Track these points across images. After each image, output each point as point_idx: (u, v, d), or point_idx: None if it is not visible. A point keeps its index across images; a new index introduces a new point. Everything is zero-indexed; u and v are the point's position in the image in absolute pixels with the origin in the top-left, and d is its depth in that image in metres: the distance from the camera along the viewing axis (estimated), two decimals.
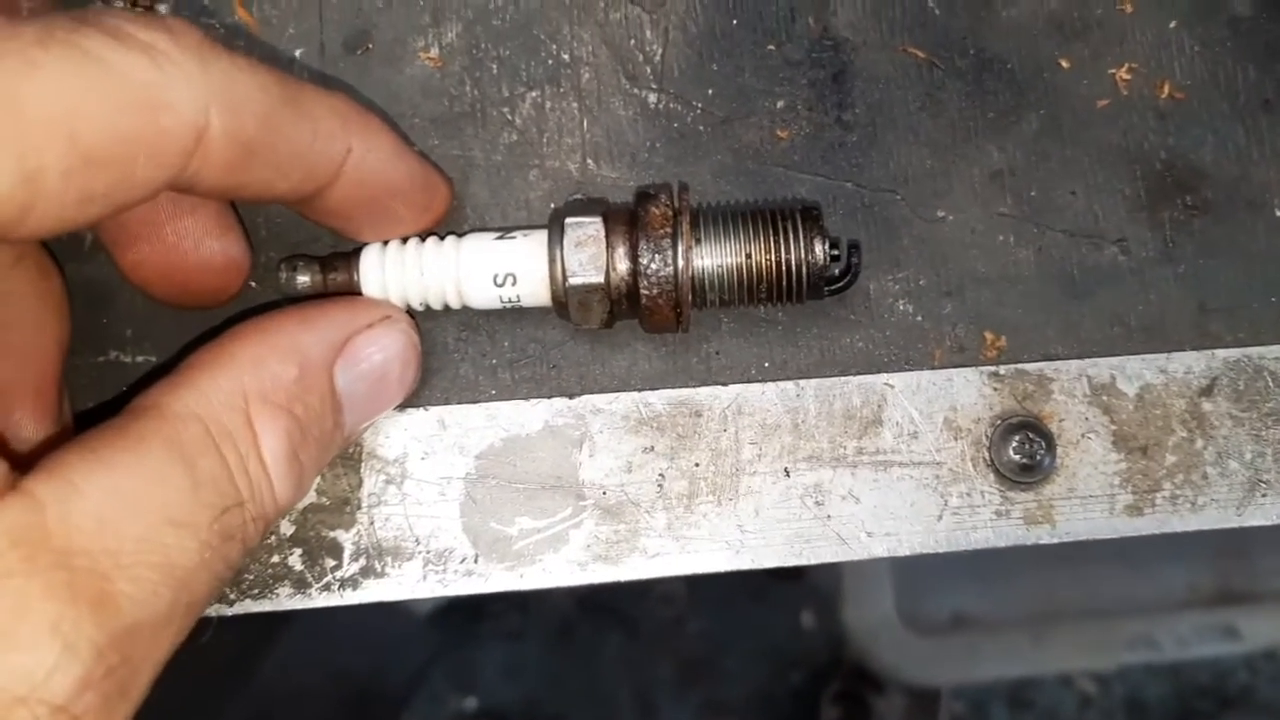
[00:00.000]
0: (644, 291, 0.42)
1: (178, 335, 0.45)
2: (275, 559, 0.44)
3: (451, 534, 0.45)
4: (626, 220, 0.42)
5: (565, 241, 0.42)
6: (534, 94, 0.48)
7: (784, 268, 0.42)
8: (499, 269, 0.43)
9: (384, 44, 0.48)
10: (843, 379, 0.46)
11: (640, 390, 0.46)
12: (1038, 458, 0.44)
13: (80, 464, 0.31)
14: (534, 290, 0.43)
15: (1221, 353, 0.46)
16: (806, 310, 0.46)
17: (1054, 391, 0.46)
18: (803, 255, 0.42)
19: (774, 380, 0.46)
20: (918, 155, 0.48)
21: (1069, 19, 0.49)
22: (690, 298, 0.42)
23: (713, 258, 0.42)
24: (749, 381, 0.46)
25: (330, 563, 0.44)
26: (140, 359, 0.46)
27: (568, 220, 0.42)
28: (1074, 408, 0.46)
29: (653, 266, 0.41)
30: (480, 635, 1.61)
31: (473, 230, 0.45)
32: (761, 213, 0.43)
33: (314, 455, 0.39)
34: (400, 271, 0.43)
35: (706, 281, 0.43)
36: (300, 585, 0.44)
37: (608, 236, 0.42)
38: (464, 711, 1.60)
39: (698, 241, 0.42)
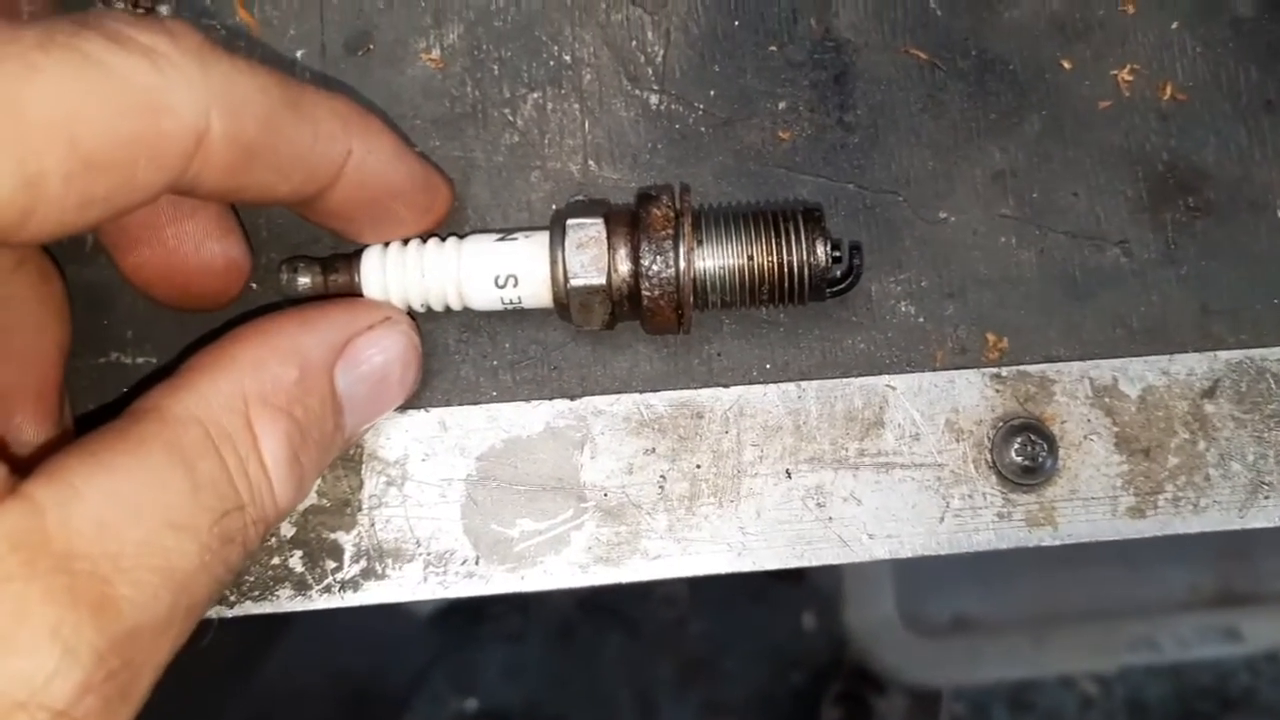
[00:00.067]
0: (646, 293, 0.42)
1: (178, 337, 0.45)
2: (276, 561, 0.44)
3: (452, 536, 0.45)
4: (628, 222, 0.42)
5: (567, 243, 0.42)
6: (535, 95, 0.48)
7: (786, 269, 0.42)
8: (500, 270, 0.43)
9: (385, 45, 0.48)
10: (844, 380, 0.46)
11: (642, 392, 0.46)
12: (1040, 459, 0.44)
13: (80, 467, 0.31)
14: (535, 292, 0.43)
15: (1224, 354, 0.46)
16: (808, 312, 0.46)
17: (1056, 393, 0.46)
18: (804, 257, 0.42)
19: (775, 382, 0.46)
20: (919, 156, 0.48)
21: (1071, 20, 0.49)
22: (692, 299, 0.42)
23: (714, 259, 0.42)
24: (750, 383, 0.46)
25: (331, 564, 0.44)
26: (141, 361, 0.46)
27: (569, 221, 0.42)
28: (1076, 409, 0.46)
29: (654, 268, 0.41)
30: (481, 636, 1.61)
31: (474, 232, 0.45)
32: (763, 214, 0.43)
33: (314, 457, 0.39)
34: (401, 273, 0.43)
35: (708, 283, 0.42)
36: (301, 587, 0.44)
37: (609, 238, 0.42)
38: (464, 712, 1.60)
39: (699, 243, 0.42)
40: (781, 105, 0.48)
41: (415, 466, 0.45)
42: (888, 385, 0.46)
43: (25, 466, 0.31)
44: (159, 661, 0.32)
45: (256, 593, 0.44)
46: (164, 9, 0.46)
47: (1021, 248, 0.47)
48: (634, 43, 0.48)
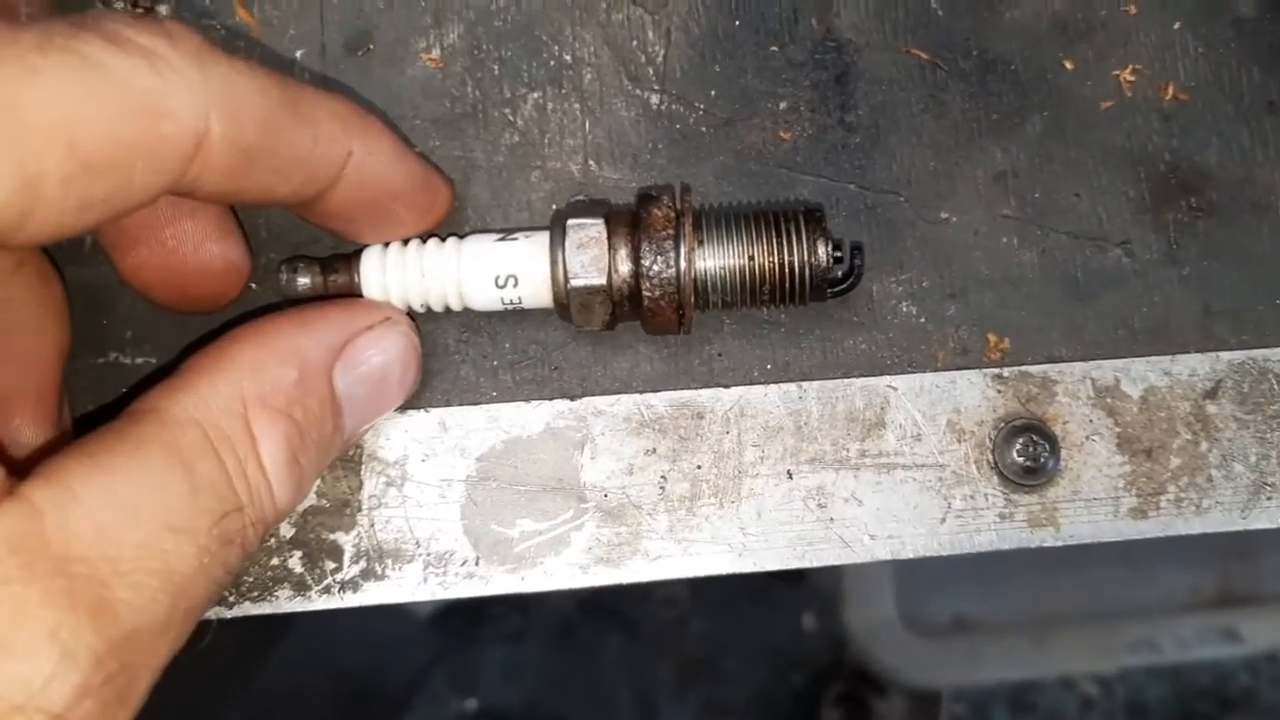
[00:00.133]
0: (646, 293, 0.41)
1: (177, 337, 0.45)
2: (275, 561, 0.44)
3: (452, 536, 0.44)
4: (629, 222, 0.42)
5: (567, 243, 0.42)
6: (536, 95, 0.48)
7: (787, 269, 0.42)
8: (500, 270, 0.43)
9: (385, 45, 0.48)
10: (845, 381, 0.46)
11: (642, 392, 0.46)
12: (1041, 460, 0.44)
13: (78, 469, 0.31)
14: (535, 292, 0.43)
15: (1226, 355, 0.46)
16: (809, 312, 0.46)
17: (1058, 394, 0.46)
18: (805, 257, 0.42)
19: (776, 382, 0.46)
20: (921, 157, 0.47)
21: (1073, 20, 0.49)
22: (693, 299, 0.42)
23: (715, 259, 0.42)
24: (751, 383, 0.46)
25: (330, 565, 0.44)
26: (140, 361, 0.46)
27: (570, 222, 0.42)
28: (1078, 410, 0.46)
29: (655, 268, 0.41)
30: (481, 637, 1.61)
31: (474, 232, 0.44)
32: (764, 214, 0.43)
33: (313, 459, 0.38)
34: (401, 273, 0.42)
35: (709, 283, 0.42)
36: (300, 588, 0.44)
37: (610, 238, 0.42)
38: (464, 713, 1.60)
39: (700, 243, 0.42)
40: (782, 105, 0.48)
41: (415, 467, 0.45)
42: (889, 386, 0.46)
43: (23, 468, 0.31)
44: (157, 664, 0.32)
45: (256, 593, 0.44)
46: (163, 10, 0.46)
47: (1023, 248, 0.47)
48: (635, 42, 0.48)
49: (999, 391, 0.46)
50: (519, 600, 1.61)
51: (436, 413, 0.45)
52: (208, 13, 0.47)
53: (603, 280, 0.41)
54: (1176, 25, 0.48)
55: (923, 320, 0.46)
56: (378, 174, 0.40)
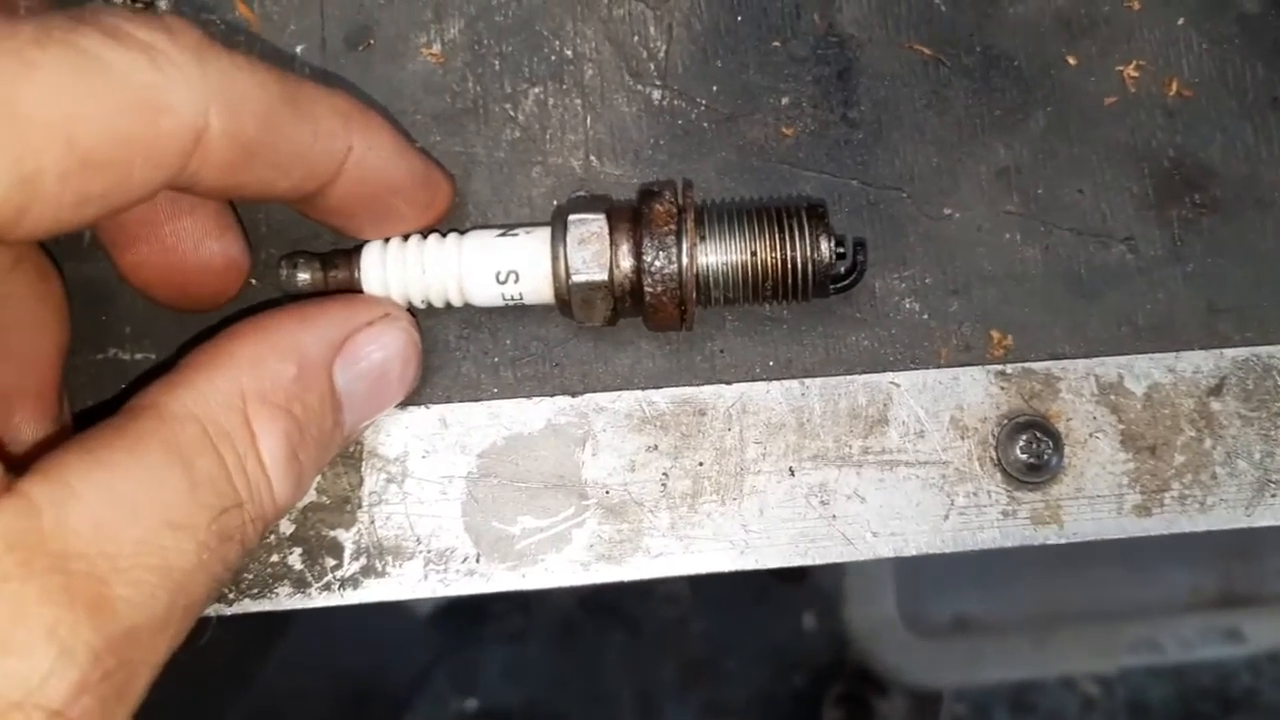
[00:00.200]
0: (648, 289, 0.41)
1: (177, 333, 0.45)
2: (275, 558, 0.44)
3: (453, 533, 0.44)
4: (630, 217, 0.42)
5: (568, 238, 0.41)
6: (537, 90, 0.47)
7: (789, 265, 0.42)
8: (501, 266, 0.42)
9: (386, 40, 0.47)
10: (848, 378, 0.46)
11: (644, 389, 0.45)
12: (1045, 457, 0.44)
13: (77, 465, 0.31)
14: (537, 287, 0.43)
15: (1230, 352, 0.46)
16: (812, 308, 0.46)
17: (1061, 390, 0.45)
18: (808, 253, 0.42)
19: (779, 379, 0.45)
20: (924, 153, 0.47)
21: (1076, 16, 0.48)
22: (694, 295, 0.42)
23: (717, 255, 0.42)
24: (753, 380, 0.45)
25: (330, 562, 0.44)
26: (139, 356, 0.45)
27: (571, 217, 0.42)
28: (1081, 407, 0.45)
29: (657, 264, 0.41)
30: (481, 636, 1.60)
31: (475, 227, 0.44)
32: (766, 210, 0.43)
33: (313, 455, 0.38)
34: (402, 269, 0.42)
35: (711, 279, 0.42)
36: (300, 585, 0.44)
37: (611, 234, 0.41)
38: (465, 712, 1.60)
39: (702, 239, 0.42)
40: (785, 101, 0.48)
41: (415, 463, 0.45)
42: (892, 382, 0.46)
43: (22, 464, 0.31)
44: (156, 661, 0.32)
45: (255, 590, 0.44)
46: (162, 4, 0.46)
47: (1026, 244, 0.47)
48: (636, 38, 0.48)
49: (1002, 388, 0.46)
50: (520, 598, 1.61)
51: (437, 409, 0.45)
52: (207, 7, 0.47)
53: (604, 276, 0.41)
54: (1180, 21, 0.48)
55: (926, 317, 0.46)
56: (378, 169, 0.40)
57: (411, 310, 0.43)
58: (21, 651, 0.28)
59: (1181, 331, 0.46)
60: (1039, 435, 0.44)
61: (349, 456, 0.45)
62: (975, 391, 0.45)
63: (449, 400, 0.45)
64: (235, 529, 0.34)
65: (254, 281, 0.45)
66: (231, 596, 0.43)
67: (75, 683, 0.29)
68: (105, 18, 0.31)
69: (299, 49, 0.47)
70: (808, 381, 0.45)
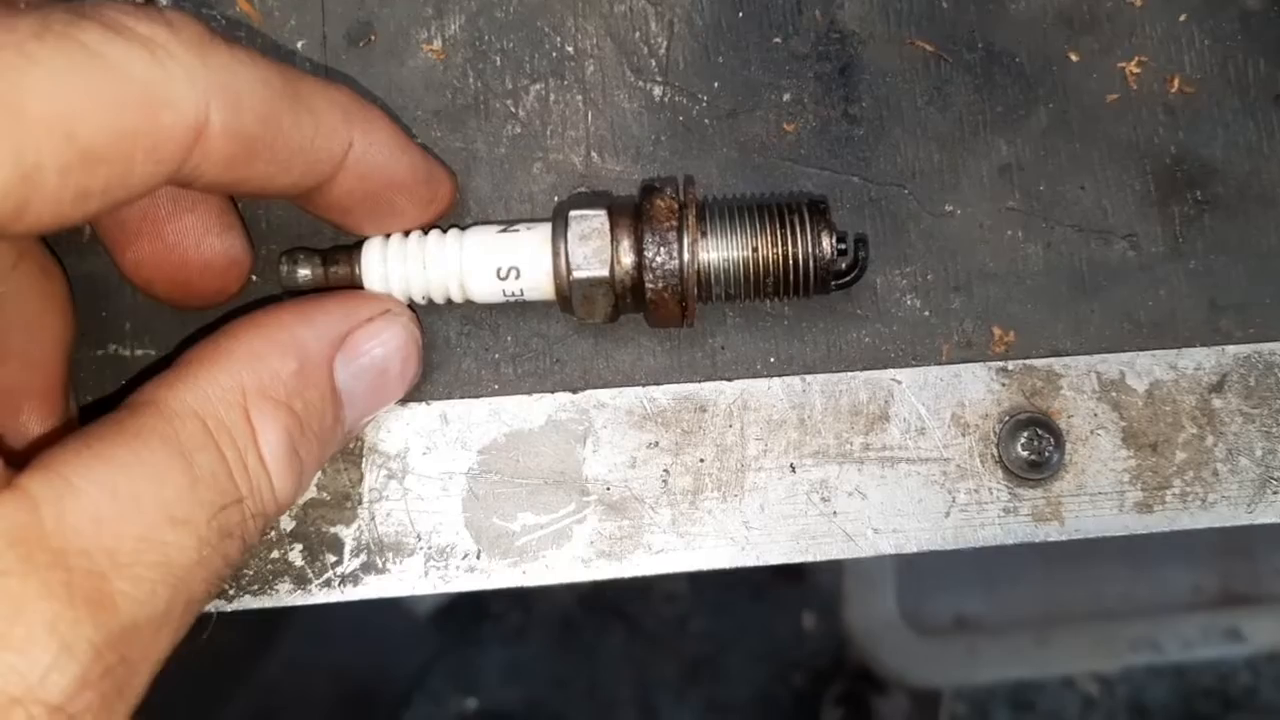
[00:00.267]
0: (649, 285, 0.41)
1: (177, 329, 0.45)
2: (275, 554, 0.44)
3: (453, 530, 0.44)
4: (631, 213, 0.42)
5: (570, 234, 0.41)
6: (538, 86, 0.47)
7: (790, 262, 0.42)
8: (502, 262, 0.42)
9: (386, 36, 0.47)
10: (849, 374, 0.45)
11: (645, 385, 0.45)
12: (1046, 454, 0.44)
13: (77, 461, 0.31)
14: (538, 284, 0.42)
15: (1232, 349, 0.46)
16: (813, 305, 0.46)
17: (1063, 387, 0.45)
18: (809, 249, 0.42)
19: (780, 375, 0.45)
20: (925, 149, 0.47)
21: (1078, 12, 0.48)
22: (696, 292, 0.42)
23: (718, 251, 0.42)
24: (755, 377, 0.45)
25: (331, 558, 0.44)
26: (140, 353, 0.45)
27: (572, 213, 0.42)
28: (1083, 404, 0.45)
29: (658, 260, 0.41)
30: (481, 636, 1.60)
31: (475, 223, 0.44)
32: (768, 206, 0.43)
33: (314, 451, 0.38)
34: (402, 265, 0.42)
35: (712, 275, 0.42)
36: (300, 581, 0.44)
37: (613, 230, 0.41)
38: (465, 712, 1.60)
39: (703, 235, 0.42)
40: (786, 97, 0.47)
41: (416, 460, 0.45)
42: (893, 379, 0.45)
43: (23, 459, 0.31)
44: (156, 657, 0.32)
45: (256, 587, 0.44)
46: None
47: (1028, 241, 0.47)
48: (637, 34, 0.48)
49: (1004, 385, 0.45)
50: (520, 597, 1.61)
51: (438, 405, 0.45)
52: (208, 3, 0.47)
53: (605, 272, 0.41)
54: (1182, 18, 0.48)
55: (927, 313, 0.46)
56: (379, 165, 0.39)
57: (412, 306, 0.43)
58: (22, 647, 0.28)
59: (1183, 328, 0.46)
60: (1040, 432, 0.44)
61: (349, 453, 0.45)
62: (977, 388, 0.45)
63: (450, 396, 0.45)
64: (236, 525, 0.34)
65: (254, 278, 0.45)
66: (232, 592, 0.43)
67: (76, 678, 0.29)
68: (106, 12, 0.31)
69: (300, 45, 0.47)
70: (809, 378, 0.45)
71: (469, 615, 1.60)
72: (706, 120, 0.47)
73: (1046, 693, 1.61)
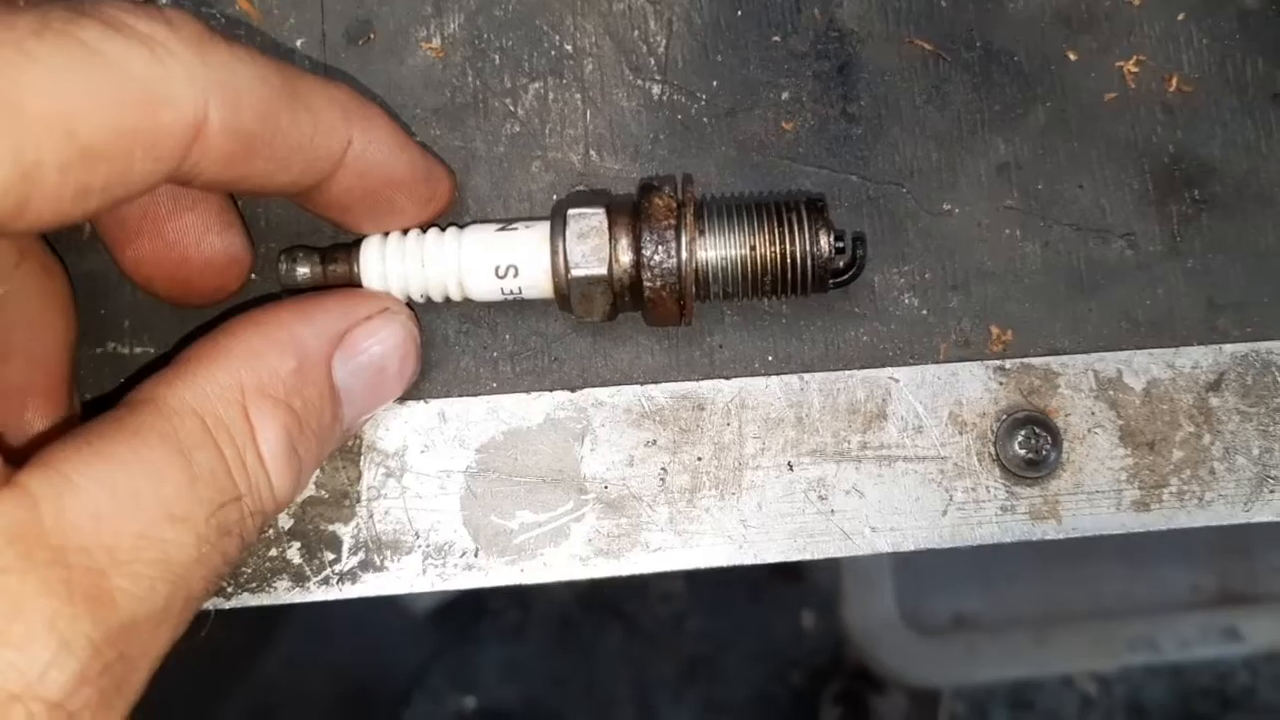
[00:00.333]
0: (647, 284, 0.41)
1: (176, 327, 0.45)
2: (273, 552, 0.44)
3: (451, 528, 0.44)
4: (630, 212, 0.42)
5: (568, 233, 0.41)
6: (536, 85, 0.47)
7: (788, 260, 0.42)
8: (501, 261, 0.42)
9: (386, 34, 0.47)
10: (847, 373, 0.46)
11: (643, 383, 0.45)
12: (1044, 453, 0.44)
13: (76, 458, 0.31)
14: (536, 282, 0.43)
15: (1229, 348, 0.46)
16: (811, 303, 0.46)
17: (1060, 386, 0.45)
18: (807, 248, 0.42)
19: (778, 374, 0.45)
20: (923, 148, 0.47)
21: (1076, 11, 0.48)
22: (694, 290, 0.42)
23: (717, 250, 0.42)
24: (752, 375, 0.45)
25: (329, 556, 0.44)
26: (139, 351, 0.45)
27: (570, 212, 0.42)
28: (1080, 402, 0.45)
29: (656, 258, 0.41)
30: (480, 634, 1.60)
31: (474, 222, 0.44)
32: (766, 205, 0.43)
33: (312, 449, 0.38)
34: (401, 263, 0.42)
35: (710, 274, 0.42)
36: (299, 579, 0.44)
37: (611, 228, 0.41)
38: (463, 710, 1.60)
39: (701, 233, 0.42)
40: (784, 96, 0.48)
41: (414, 458, 0.45)
42: (891, 378, 0.46)
43: (22, 456, 0.31)
44: (155, 654, 0.32)
45: (254, 584, 0.44)
46: None
47: (1026, 240, 0.47)
48: (636, 32, 0.48)
49: (1001, 384, 0.46)
50: (518, 596, 1.61)
51: (436, 404, 0.45)
52: (207, 1, 0.47)
53: (604, 270, 0.41)
54: (1180, 16, 0.48)
55: (925, 312, 0.46)
56: (378, 163, 0.40)
57: (411, 304, 0.43)
58: (21, 644, 0.28)
59: (1180, 327, 0.46)
60: (1038, 431, 0.44)
61: (348, 451, 0.45)
62: (974, 387, 0.45)
63: (448, 395, 0.45)
64: (234, 522, 0.34)
65: (253, 276, 0.45)
66: (230, 590, 0.43)
67: (75, 675, 0.29)
68: (105, 9, 0.31)
69: (299, 43, 0.47)
70: (807, 376, 0.46)
71: (467, 613, 1.60)
72: (705, 119, 0.47)
73: (1045, 692, 1.61)
